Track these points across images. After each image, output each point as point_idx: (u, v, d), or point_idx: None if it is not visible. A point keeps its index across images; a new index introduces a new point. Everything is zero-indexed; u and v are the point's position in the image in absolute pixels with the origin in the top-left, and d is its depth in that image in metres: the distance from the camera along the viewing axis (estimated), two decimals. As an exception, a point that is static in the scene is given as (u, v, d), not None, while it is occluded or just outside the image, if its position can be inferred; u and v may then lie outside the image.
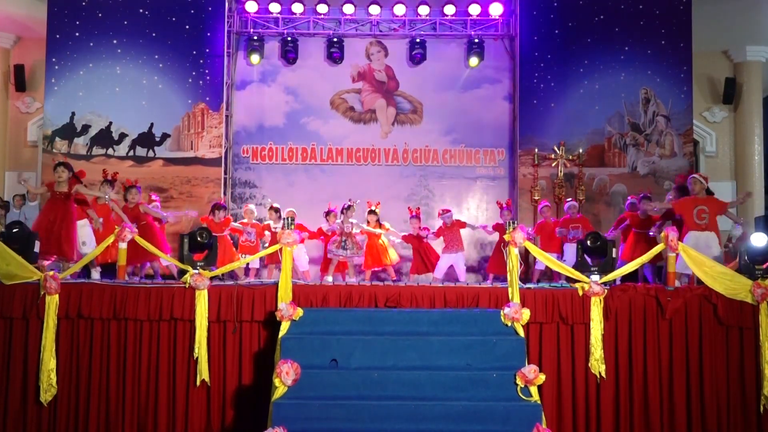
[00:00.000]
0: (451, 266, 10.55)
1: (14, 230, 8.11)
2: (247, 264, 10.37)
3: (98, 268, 9.27)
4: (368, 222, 10.45)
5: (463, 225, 10.73)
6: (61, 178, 8.80)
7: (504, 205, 10.89)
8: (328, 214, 10.74)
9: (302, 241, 10.63)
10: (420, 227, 10.83)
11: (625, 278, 8.77)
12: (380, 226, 10.58)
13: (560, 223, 10.82)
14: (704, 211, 8.81)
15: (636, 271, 9.39)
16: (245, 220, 10.94)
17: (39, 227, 8.61)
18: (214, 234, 9.69)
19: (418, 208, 11.31)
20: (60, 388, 7.62)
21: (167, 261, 9.29)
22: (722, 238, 10.54)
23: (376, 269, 10.56)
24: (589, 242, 8.33)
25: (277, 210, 10.89)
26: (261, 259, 10.54)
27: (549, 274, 10.44)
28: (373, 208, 10.62)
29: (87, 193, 9.17)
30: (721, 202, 9.09)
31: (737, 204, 10.37)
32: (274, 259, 10.13)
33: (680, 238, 8.41)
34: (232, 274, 9.27)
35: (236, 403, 7.74)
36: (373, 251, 10.40)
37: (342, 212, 10.27)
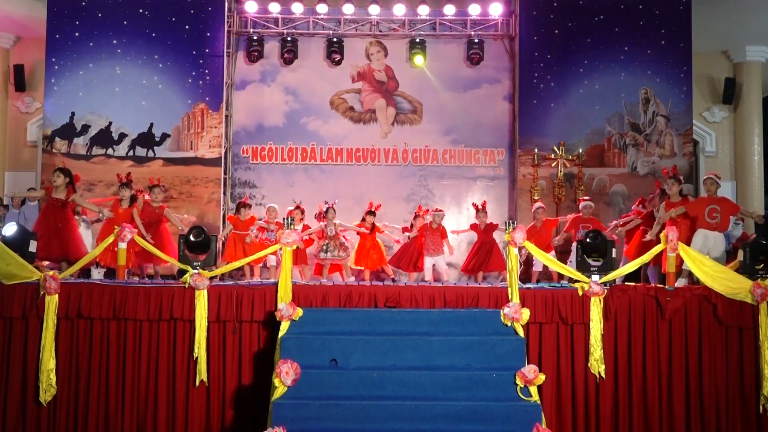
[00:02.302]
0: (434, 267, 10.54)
1: (8, 232, 8.12)
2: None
3: (100, 269, 9.26)
4: (364, 220, 10.46)
5: (446, 236, 10.64)
6: (56, 183, 8.82)
7: (479, 207, 10.84)
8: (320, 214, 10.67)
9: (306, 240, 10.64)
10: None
11: (629, 279, 8.77)
12: (375, 227, 10.55)
13: (571, 221, 10.74)
14: (716, 210, 8.84)
15: (639, 273, 9.44)
16: (266, 218, 10.87)
17: (41, 230, 8.62)
18: (238, 231, 9.78)
19: (425, 209, 11.20)
20: (59, 388, 7.64)
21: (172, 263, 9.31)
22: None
23: (373, 270, 10.54)
24: (590, 240, 8.31)
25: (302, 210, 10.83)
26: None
27: (549, 275, 10.44)
28: (372, 209, 10.60)
29: (83, 206, 9.17)
30: (734, 204, 9.19)
31: (747, 216, 10.32)
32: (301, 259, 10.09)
33: (689, 237, 8.48)
34: (233, 274, 9.27)
35: (236, 403, 7.75)
36: (363, 251, 10.39)
37: (323, 215, 10.23)
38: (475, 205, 10.99)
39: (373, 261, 10.46)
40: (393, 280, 10.15)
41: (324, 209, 10.28)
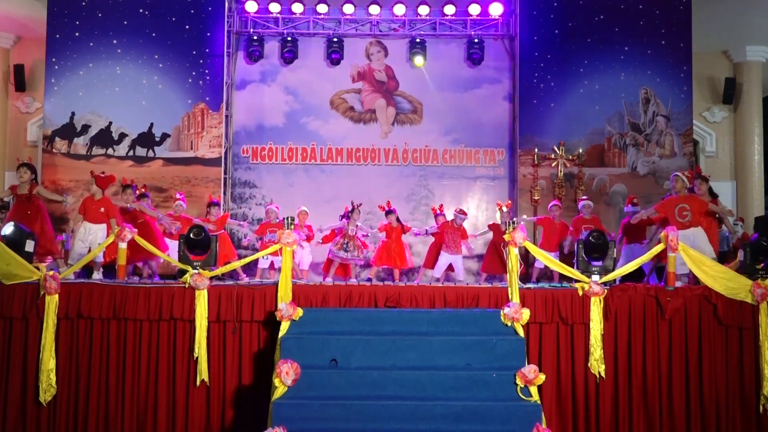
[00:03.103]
0: (450, 266, 10.50)
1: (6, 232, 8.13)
2: (256, 263, 10.29)
3: (101, 269, 9.25)
4: (390, 223, 10.42)
5: (466, 237, 10.62)
6: (23, 179, 8.86)
7: (503, 206, 10.79)
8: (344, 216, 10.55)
9: (309, 239, 10.62)
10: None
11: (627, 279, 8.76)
12: (402, 226, 10.51)
13: (573, 223, 10.71)
14: (685, 208, 8.83)
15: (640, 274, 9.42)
16: (268, 220, 10.83)
17: None
18: (211, 233, 9.72)
19: (441, 206, 11.19)
20: (59, 388, 7.63)
21: (167, 260, 9.31)
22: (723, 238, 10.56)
23: (383, 267, 10.50)
24: (592, 239, 8.31)
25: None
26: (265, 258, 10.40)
27: (548, 274, 10.43)
28: (387, 209, 10.55)
29: (47, 197, 9.16)
30: (702, 200, 9.03)
31: (718, 212, 10.27)
32: None
33: None
34: (232, 274, 9.27)
35: (236, 403, 7.75)
36: (390, 250, 10.33)
37: (348, 215, 10.19)
38: (498, 204, 10.92)
39: (395, 260, 10.36)
40: (393, 280, 10.12)
41: (349, 209, 10.25)
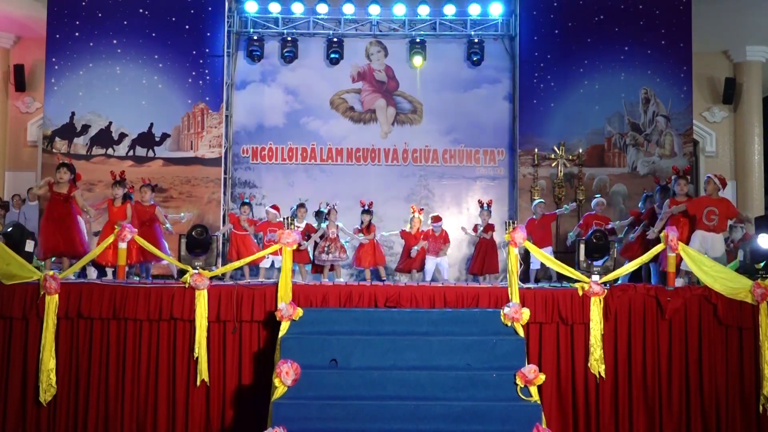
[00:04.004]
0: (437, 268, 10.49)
1: (7, 231, 8.14)
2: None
3: (94, 270, 9.23)
4: (362, 222, 10.38)
5: (447, 241, 10.55)
6: (62, 180, 8.86)
7: (484, 204, 10.75)
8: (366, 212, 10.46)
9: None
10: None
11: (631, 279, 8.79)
12: (370, 226, 10.42)
13: (584, 219, 10.68)
14: (714, 212, 8.73)
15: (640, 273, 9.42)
16: (266, 221, 10.82)
17: (46, 229, 8.66)
18: (237, 232, 9.75)
19: (421, 209, 11.15)
20: (59, 388, 7.64)
21: (168, 261, 9.31)
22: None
23: (372, 268, 10.49)
24: (594, 239, 8.30)
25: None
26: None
27: (547, 274, 10.42)
28: (366, 207, 10.50)
29: (80, 205, 9.14)
30: (732, 208, 9.04)
31: (747, 221, 10.30)
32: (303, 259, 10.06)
33: (689, 237, 8.47)
34: (233, 274, 9.26)
35: (236, 403, 7.75)
36: (368, 250, 10.32)
37: (325, 216, 10.14)
38: (480, 202, 10.88)
39: (372, 259, 10.34)
40: (383, 280, 10.08)
41: (327, 210, 10.20)
